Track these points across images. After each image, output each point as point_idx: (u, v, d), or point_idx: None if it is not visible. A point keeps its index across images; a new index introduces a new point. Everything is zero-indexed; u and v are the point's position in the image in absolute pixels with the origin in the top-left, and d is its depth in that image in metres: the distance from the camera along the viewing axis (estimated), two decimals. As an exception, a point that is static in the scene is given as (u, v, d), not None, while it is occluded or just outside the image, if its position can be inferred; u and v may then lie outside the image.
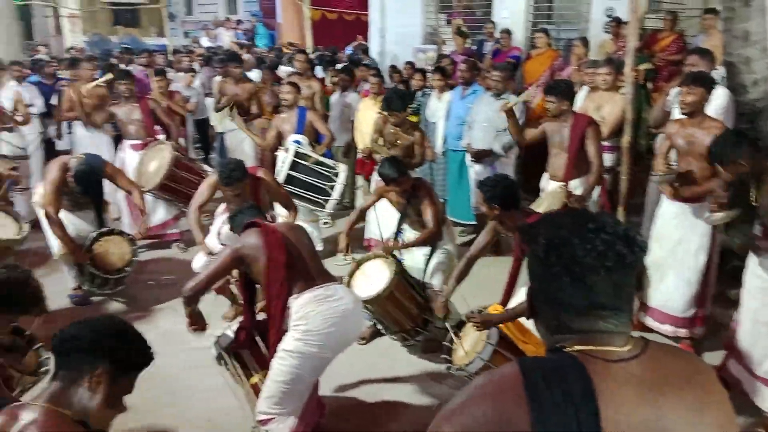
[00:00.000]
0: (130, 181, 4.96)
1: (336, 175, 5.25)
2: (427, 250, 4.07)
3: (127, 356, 1.72)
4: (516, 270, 3.39)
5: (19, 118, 6.46)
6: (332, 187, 5.21)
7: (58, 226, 4.37)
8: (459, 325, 3.50)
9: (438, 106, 6.38)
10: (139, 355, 1.76)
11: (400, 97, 5.14)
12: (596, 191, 4.66)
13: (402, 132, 5.20)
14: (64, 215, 4.49)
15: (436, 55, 9.24)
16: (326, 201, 5.21)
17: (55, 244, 4.60)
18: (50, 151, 7.24)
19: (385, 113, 5.14)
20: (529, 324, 3.18)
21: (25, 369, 2.98)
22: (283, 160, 5.26)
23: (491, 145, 5.53)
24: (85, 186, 4.40)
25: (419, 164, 5.27)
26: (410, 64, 7.87)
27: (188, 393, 3.69)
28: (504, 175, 3.48)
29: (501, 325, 3.15)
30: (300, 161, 5.21)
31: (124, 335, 1.74)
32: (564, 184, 4.44)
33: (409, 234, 4.21)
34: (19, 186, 5.68)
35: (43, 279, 2.77)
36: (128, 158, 5.95)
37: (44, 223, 4.54)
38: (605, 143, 5.06)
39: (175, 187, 5.59)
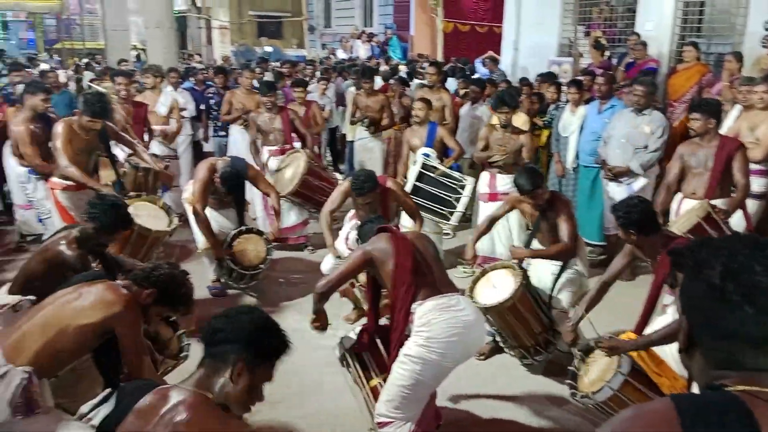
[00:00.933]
0: (269, 185, 5.26)
1: (462, 187, 5.25)
2: (555, 268, 3.94)
3: (268, 347, 1.83)
4: (655, 296, 3.18)
5: (172, 126, 7.01)
6: (457, 200, 5.22)
7: (204, 223, 4.73)
8: (586, 351, 3.35)
9: (571, 120, 6.19)
10: (279, 345, 1.86)
11: (511, 94, 5.15)
12: (738, 215, 4.32)
13: (509, 135, 5.20)
14: (209, 212, 4.85)
15: (571, 68, 8.96)
16: (451, 213, 5.23)
17: (200, 239, 4.98)
18: (198, 152, 7.88)
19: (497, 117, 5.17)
20: (665, 355, 2.98)
21: (168, 353, 3.26)
22: (411, 171, 5.37)
23: (629, 162, 5.27)
24: (230, 186, 4.73)
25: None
26: (542, 76, 7.70)
27: (311, 390, 3.84)
28: (639, 198, 3.29)
29: (633, 353, 2.98)
30: (426, 173, 5.28)
31: (266, 328, 1.86)
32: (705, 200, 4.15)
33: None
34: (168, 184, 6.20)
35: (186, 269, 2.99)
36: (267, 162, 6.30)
37: (192, 219, 4.93)
38: (758, 167, 4.68)
39: (308, 193, 5.84)
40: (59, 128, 4.43)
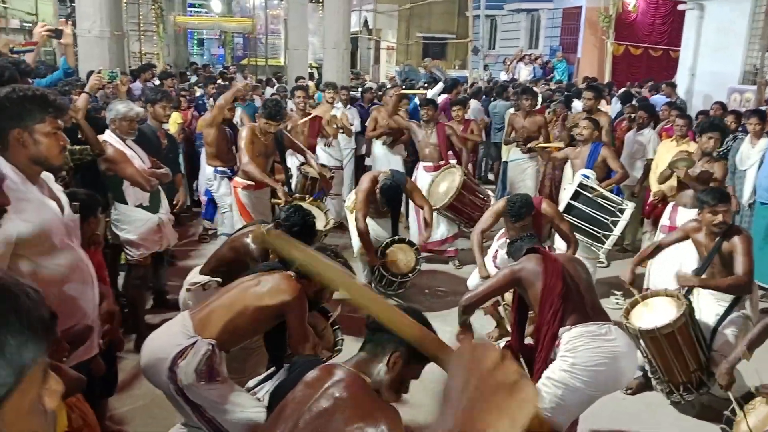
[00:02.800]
0: (424, 198, 5.48)
1: (621, 211, 5.06)
2: (720, 309, 3.70)
3: None
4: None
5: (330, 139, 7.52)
6: (614, 223, 5.03)
7: (363, 230, 5.06)
8: (746, 397, 3.13)
9: (750, 153, 5.75)
10: None
11: (713, 124, 4.86)
12: None
13: (708, 163, 4.90)
14: (367, 221, 5.19)
15: (754, 97, 8.27)
16: (606, 236, 5.06)
17: (356, 244, 5.33)
18: (359, 165, 8.38)
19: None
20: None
21: (324, 345, 3.56)
22: (567, 190, 5.30)
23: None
24: (389, 198, 5.02)
25: None
26: (719, 104, 7.19)
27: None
28: None
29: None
30: (583, 192, 5.17)
31: (425, 325, 2.02)
32: None
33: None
34: (330, 191, 6.66)
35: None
36: (420, 178, 6.56)
37: (351, 226, 5.30)
38: None
39: (460, 207, 5.99)
40: (244, 132, 5.06)
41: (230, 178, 5.55)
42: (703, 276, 3.82)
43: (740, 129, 6.36)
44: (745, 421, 2.96)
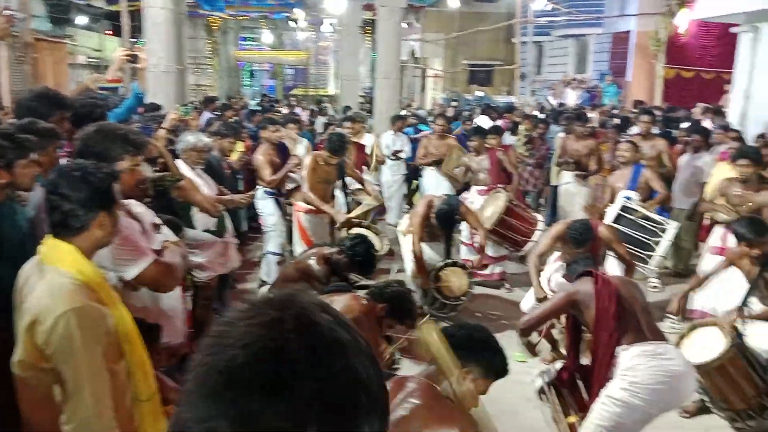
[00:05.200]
0: (479, 221, 5.56)
1: (663, 231, 5.08)
2: (775, 332, 3.67)
3: (494, 365, 2.15)
4: None
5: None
6: (657, 243, 5.06)
7: (419, 254, 5.17)
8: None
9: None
10: (503, 368, 2.17)
11: (755, 149, 4.85)
12: None
13: (750, 192, 4.85)
14: (422, 244, 5.31)
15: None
16: (649, 257, 5.07)
17: (409, 268, 5.46)
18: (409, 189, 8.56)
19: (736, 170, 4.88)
20: None
21: (382, 364, 3.69)
22: (609, 212, 5.34)
23: None
24: (444, 222, 5.14)
25: None
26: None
27: (508, 420, 3.99)
28: None
29: None
30: (625, 215, 5.21)
31: (496, 347, 2.18)
32: None
33: (757, 309, 3.86)
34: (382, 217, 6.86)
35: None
36: (474, 200, 6.66)
37: (404, 249, 5.44)
38: None
39: (503, 232, 6.02)
40: (307, 160, 5.30)
41: (276, 199, 5.75)
42: (753, 301, 3.81)
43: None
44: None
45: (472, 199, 6.67)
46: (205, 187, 4.48)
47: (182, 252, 2.50)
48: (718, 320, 3.79)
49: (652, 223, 5.17)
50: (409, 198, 9.06)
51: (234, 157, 6.93)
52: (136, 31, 9.20)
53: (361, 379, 0.66)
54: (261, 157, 5.76)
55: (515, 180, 6.71)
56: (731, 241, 5.07)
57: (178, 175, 4.24)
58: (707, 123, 9.33)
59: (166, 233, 2.60)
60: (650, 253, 5.09)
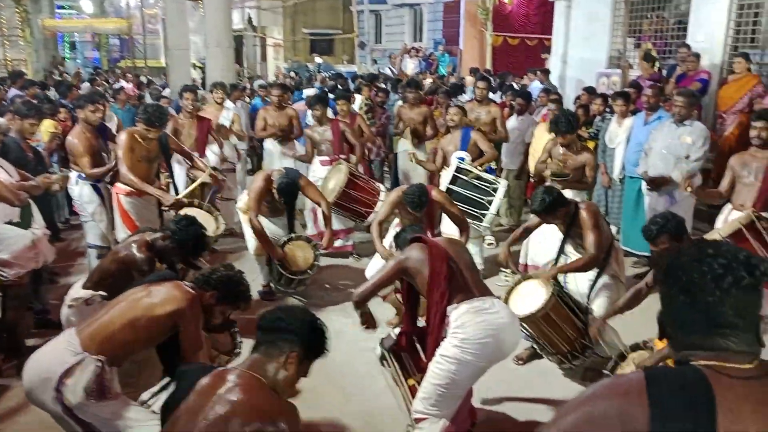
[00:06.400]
0: (319, 194, 5.45)
1: (495, 189, 5.38)
2: (592, 274, 4.00)
3: (317, 345, 2.08)
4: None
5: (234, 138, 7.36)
6: (490, 202, 5.36)
7: (259, 229, 4.96)
8: (621, 356, 3.43)
9: (618, 132, 6.23)
10: (324, 345, 2.11)
11: (568, 119, 5.22)
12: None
13: (571, 153, 5.27)
14: (261, 219, 5.12)
15: (620, 79, 8.95)
16: (483, 215, 5.36)
17: (252, 244, 5.25)
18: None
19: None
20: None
21: (222, 348, 3.50)
22: (445, 174, 5.55)
23: (670, 172, 5.28)
24: (285, 195, 4.97)
25: (591, 186, 5.26)
26: (588, 89, 7.73)
27: (353, 389, 4.02)
28: (670, 214, 3.39)
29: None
30: (460, 176, 5.45)
31: (318, 327, 2.11)
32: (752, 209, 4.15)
33: (573, 257, 4.17)
34: (221, 195, 6.47)
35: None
36: (317, 171, 6.57)
37: (245, 226, 5.22)
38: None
39: (346, 204, 6.00)
40: (122, 138, 4.81)
41: (94, 185, 5.10)
42: (568, 248, 4.11)
43: (608, 110, 6.85)
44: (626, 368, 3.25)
45: (315, 169, 6.59)
46: (2, 173, 3.93)
47: None
48: (539, 273, 4.05)
49: (484, 183, 5.44)
50: (254, 173, 8.75)
51: (45, 138, 6.21)
52: None
53: None
54: (76, 141, 4.97)
55: (358, 150, 6.69)
56: None
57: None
58: (537, 84, 10.04)
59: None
60: (484, 212, 5.35)
